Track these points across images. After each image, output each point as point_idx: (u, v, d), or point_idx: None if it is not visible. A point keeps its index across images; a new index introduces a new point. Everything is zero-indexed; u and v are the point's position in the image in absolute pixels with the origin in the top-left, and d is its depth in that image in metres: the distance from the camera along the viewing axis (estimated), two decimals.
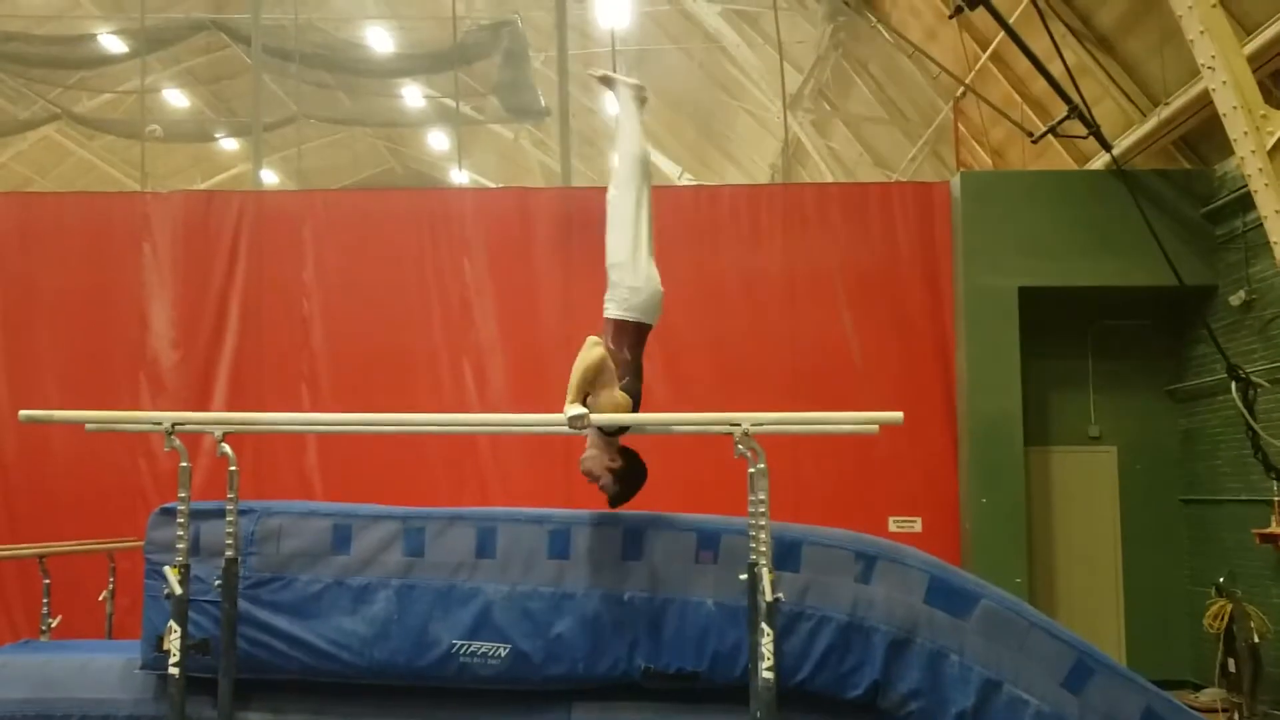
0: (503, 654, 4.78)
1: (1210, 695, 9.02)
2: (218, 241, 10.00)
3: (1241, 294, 9.14)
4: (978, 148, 13.60)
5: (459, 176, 18.00)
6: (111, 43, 14.64)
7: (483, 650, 4.80)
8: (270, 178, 19.22)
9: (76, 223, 10.10)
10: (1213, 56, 7.71)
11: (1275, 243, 7.81)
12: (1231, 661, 8.84)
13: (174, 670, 4.45)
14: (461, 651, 4.78)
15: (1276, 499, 8.63)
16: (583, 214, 10.10)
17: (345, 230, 10.09)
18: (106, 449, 9.31)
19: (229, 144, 20.51)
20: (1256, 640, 8.64)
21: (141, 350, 9.85)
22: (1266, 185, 7.72)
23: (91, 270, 9.94)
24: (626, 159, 4.98)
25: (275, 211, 10.19)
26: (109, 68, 15.36)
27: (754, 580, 4.28)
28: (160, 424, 4.66)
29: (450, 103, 14.96)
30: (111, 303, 9.91)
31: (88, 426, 4.94)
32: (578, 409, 4.42)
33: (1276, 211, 7.72)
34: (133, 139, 14.69)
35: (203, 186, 19.42)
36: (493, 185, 22.42)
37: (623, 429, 4.67)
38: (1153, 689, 4.78)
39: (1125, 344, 10.36)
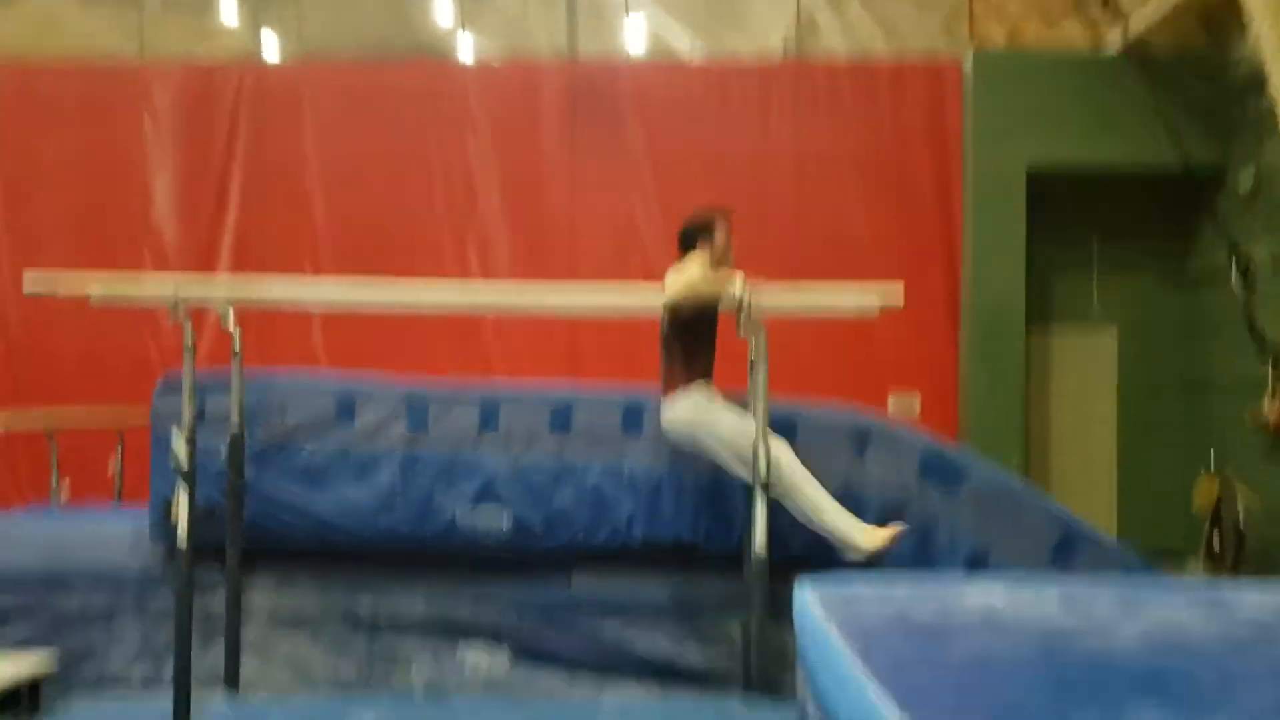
0: (505, 524, 4.91)
1: (1193, 572, 9.18)
2: (218, 115, 9.90)
3: (1250, 176, 9.04)
4: (994, 23, 13.28)
5: (464, 45, 17.63)
6: None
7: (485, 520, 4.92)
8: (271, 41, 18.85)
9: (75, 92, 9.97)
10: None
11: None
12: (1217, 540, 9.00)
13: (182, 539, 4.47)
14: (464, 521, 4.91)
15: (1270, 375, 8.62)
16: (589, 87, 9.98)
17: (347, 103, 9.98)
18: (111, 320, 9.21)
19: (230, 19, 20.01)
20: (1242, 516, 8.78)
21: (145, 225, 9.75)
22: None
23: (91, 143, 9.82)
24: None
25: (276, 83, 10.10)
26: None
27: (752, 455, 4.35)
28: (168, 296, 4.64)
29: None
30: (113, 176, 9.79)
31: (92, 299, 4.82)
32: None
33: None
34: (130, 5, 14.34)
35: (202, 52, 19.02)
36: (498, 58, 21.95)
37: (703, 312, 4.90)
38: (1136, 560, 4.91)
39: (1132, 228, 10.28)
